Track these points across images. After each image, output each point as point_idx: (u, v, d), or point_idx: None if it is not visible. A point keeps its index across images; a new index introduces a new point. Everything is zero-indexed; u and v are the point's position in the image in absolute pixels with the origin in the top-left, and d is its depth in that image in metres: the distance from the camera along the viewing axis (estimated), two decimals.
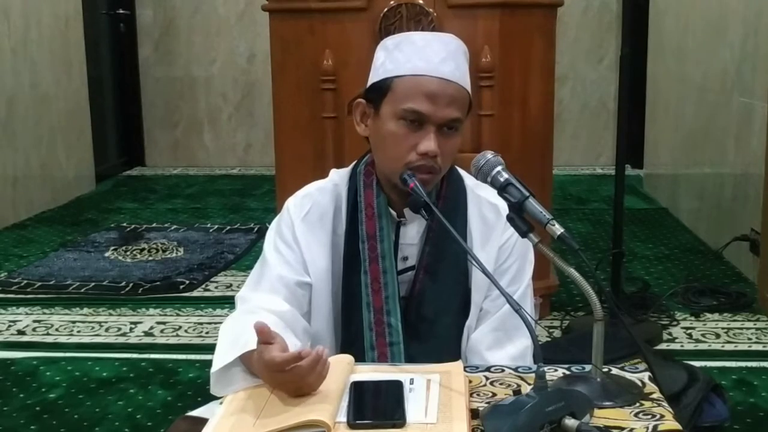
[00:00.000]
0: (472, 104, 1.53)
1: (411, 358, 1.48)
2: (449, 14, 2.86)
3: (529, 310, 1.54)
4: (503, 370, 1.38)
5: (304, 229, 1.54)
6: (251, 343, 1.28)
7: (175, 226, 4.80)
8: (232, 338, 1.34)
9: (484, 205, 1.55)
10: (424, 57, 1.45)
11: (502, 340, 1.52)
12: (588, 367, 1.32)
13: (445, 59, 1.45)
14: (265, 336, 1.23)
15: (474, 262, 1.36)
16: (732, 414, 2.35)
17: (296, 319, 1.48)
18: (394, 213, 1.53)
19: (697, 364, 2.44)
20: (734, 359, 2.88)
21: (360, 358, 1.46)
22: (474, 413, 1.21)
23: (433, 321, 1.52)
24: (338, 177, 1.60)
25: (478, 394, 1.29)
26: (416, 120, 1.44)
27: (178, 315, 3.41)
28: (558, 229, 1.28)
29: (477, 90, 2.85)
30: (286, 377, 1.22)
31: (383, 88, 1.48)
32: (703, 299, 3.41)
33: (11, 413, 2.57)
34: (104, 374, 2.84)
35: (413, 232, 1.54)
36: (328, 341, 1.54)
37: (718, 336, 3.09)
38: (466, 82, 1.48)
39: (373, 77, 1.51)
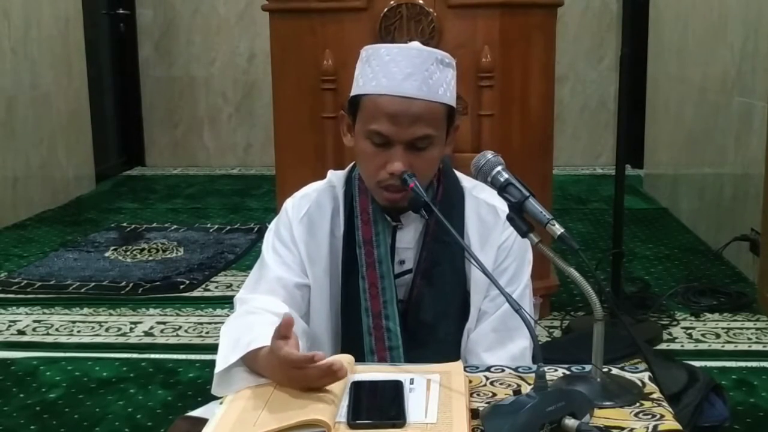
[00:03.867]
0: (454, 113, 1.49)
1: (411, 362, 1.47)
2: (449, 14, 2.86)
3: (528, 310, 1.53)
4: (503, 370, 1.38)
5: (303, 230, 1.54)
6: (254, 342, 1.29)
7: (175, 226, 4.80)
8: (234, 339, 1.35)
9: (482, 206, 1.55)
10: (387, 74, 1.43)
11: (501, 340, 1.52)
12: (588, 367, 1.32)
13: (409, 75, 1.42)
14: (286, 330, 1.23)
15: (472, 260, 1.36)
16: (732, 414, 2.34)
17: (296, 320, 1.48)
18: (389, 218, 1.53)
19: (697, 364, 2.44)
20: (734, 359, 2.88)
21: (360, 362, 1.46)
22: (474, 413, 1.21)
23: (432, 325, 1.52)
24: (336, 179, 1.60)
25: (478, 394, 1.29)
26: (382, 140, 1.44)
27: (178, 315, 3.41)
28: (558, 229, 1.28)
29: (477, 90, 2.85)
30: (298, 375, 1.22)
31: (355, 105, 1.48)
32: (703, 299, 3.41)
33: (11, 413, 2.57)
34: (104, 374, 2.84)
35: (409, 236, 1.54)
36: (327, 342, 1.55)
37: (718, 336, 3.09)
38: (437, 95, 1.43)
39: (352, 90, 1.51)
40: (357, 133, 1.48)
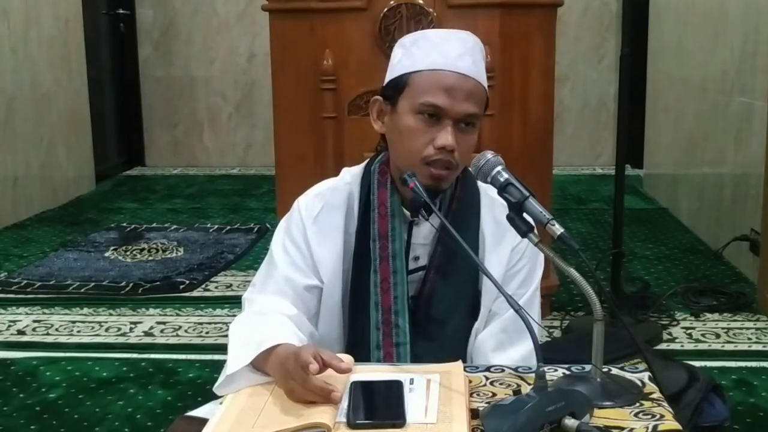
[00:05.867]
0: (487, 106, 1.52)
1: (417, 358, 1.47)
2: (449, 14, 2.86)
3: (537, 313, 1.54)
4: (503, 370, 1.38)
5: (316, 230, 1.53)
6: (265, 343, 1.30)
7: (175, 226, 4.79)
8: (245, 340, 1.35)
9: (497, 207, 1.53)
10: (441, 52, 1.45)
11: (507, 342, 1.51)
12: (588, 367, 1.32)
13: (462, 55, 1.45)
14: (327, 364, 1.23)
15: (478, 264, 1.36)
16: (732, 414, 2.34)
17: (303, 323, 1.48)
18: (407, 212, 1.52)
19: (697, 364, 2.44)
20: (734, 359, 2.88)
21: (365, 357, 1.46)
22: (474, 413, 1.21)
23: (441, 321, 1.52)
24: (350, 176, 1.58)
25: (478, 394, 1.29)
26: (434, 114, 1.44)
27: (178, 315, 3.41)
28: (558, 229, 1.28)
29: None
30: (294, 384, 1.23)
31: (400, 83, 1.48)
32: (703, 299, 3.41)
33: (11, 413, 2.57)
34: (104, 374, 2.84)
35: (426, 231, 1.53)
36: (335, 341, 1.54)
37: (718, 336, 3.09)
38: (483, 79, 1.48)
39: (390, 74, 1.51)
40: (402, 111, 1.47)
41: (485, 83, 1.49)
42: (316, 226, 1.53)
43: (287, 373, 1.24)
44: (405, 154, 1.48)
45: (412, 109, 1.46)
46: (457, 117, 1.44)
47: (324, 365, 1.22)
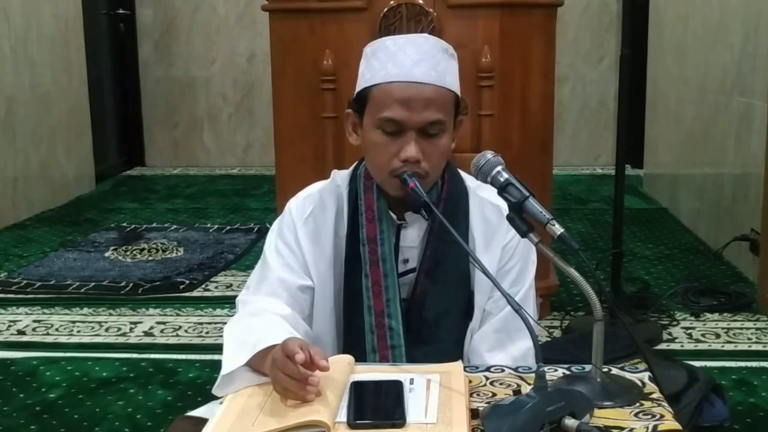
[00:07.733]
0: (461, 103, 1.51)
1: (413, 360, 1.47)
2: (449, 14, 2.86)
3: (532, 311, 1.53)
4: (503, 370, 1.38)
5: (306, 231, 1.54)
6: (261, 343, 1.30)
7: (175, 226, 4.80)
8: (240, 340, 1.35)
9: (486, 206, 1.54)
10: (396, 62, 1.43)
11: (503, 341, 1.51)
12: (588, 367, 1.32)
13: (418, 61, 1.42)
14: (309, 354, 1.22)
15: (474, 262, 1.36)
16: (732, 414, 2.34)
17: (298, 322, 1.48)
18: (394, 216, 1.53)
19: (697, 364, 2.44)
20: (734, 359, 2.88)
21: (362, 360, 1.46)
22: (474, 413, 1.21)
23: (435, 323, 1.52)
24: (340, 178, 1.59)
25: (478, 394, 1.29)
26: (394, 128, 1.43)
27: (178, 315, 3.41)
28: (558, 229, 1.28)
29: (477, 90, 2.85)
30: (278, 373, 1.22)
31: (363, 98, 1.47)
32: (703, 299, 3.41)
33: (11, 413, 2.57)
34: (104, 374, 2.84)
35: (414, 234, 1.53)
36: (330, 343, 1.54)
37: (718, 336, 3.09)
38: (446, 82, 1.45)
39: (357, 87, 1.51)
40: (366, 125, 1.47)
41: (450, 85, 1.45)
42: (306, 227, 1.54)
43: (273, 363, 1.24)
44: (375, 169, 1.49)
45: (373, 124, 1.45)
46: (419, 127, 1.42)
47: (310, 359, 1.21)
